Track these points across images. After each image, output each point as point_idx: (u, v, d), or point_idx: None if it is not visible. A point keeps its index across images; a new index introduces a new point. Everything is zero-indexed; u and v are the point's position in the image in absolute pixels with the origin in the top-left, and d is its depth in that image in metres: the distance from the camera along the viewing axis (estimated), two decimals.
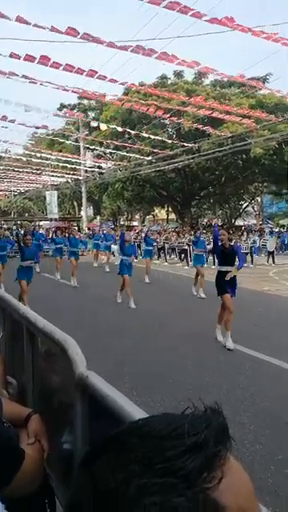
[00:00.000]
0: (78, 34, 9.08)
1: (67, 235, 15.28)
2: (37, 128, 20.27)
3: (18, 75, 11.84)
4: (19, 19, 8.51)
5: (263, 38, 9.41)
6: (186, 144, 21.28)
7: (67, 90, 13.54)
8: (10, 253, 14.30)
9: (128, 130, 21.35)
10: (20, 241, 9.23)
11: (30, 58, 10.19)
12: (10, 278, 10.48)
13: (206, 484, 0.37)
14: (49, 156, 26.92)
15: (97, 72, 11.61)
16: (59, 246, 15.08)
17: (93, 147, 26.68)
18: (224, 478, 0.38)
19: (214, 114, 17.40)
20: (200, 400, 0.48)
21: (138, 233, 23.74)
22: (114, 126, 20.99)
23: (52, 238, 15.92)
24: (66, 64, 10.86)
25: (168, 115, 18.29)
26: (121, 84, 12.50)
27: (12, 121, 16.66)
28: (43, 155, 26.29)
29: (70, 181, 33.17)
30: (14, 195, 43.51)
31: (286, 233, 26.85)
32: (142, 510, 0.36)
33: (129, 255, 9.71)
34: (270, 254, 18.99)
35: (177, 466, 0.38)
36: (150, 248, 13.76)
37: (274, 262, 18.59)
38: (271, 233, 23.25)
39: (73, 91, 14.48)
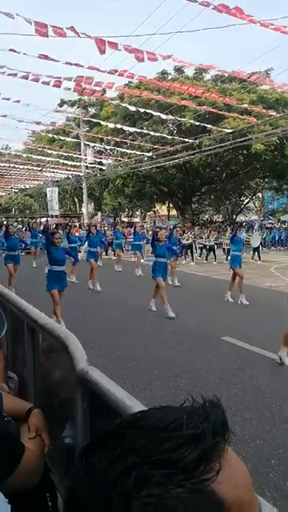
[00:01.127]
0: (78, 34, 9.06)
1: (87, 232, 12.93)
2: (37, 124, 20.24)
3: (16, 74, 11.81)
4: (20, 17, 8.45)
5: (272, 29, 9.28)
6: (186, 140, 21.20)
7: (69, 89, 13.53)
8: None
9: (127, 128, 21.23)
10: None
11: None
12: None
13: (204, 475, 0.38)
14: (49, 152, 26.90)
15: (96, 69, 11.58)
16: (74, 245, 12.91)
17: (93, 144, 26.63)
18: (222, 470, 0.39)
19: (214, 109, 17.33)
20: (199, 393, 0.48)
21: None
22: (113, 125, 20.89)
23: (66, 236, 14.05)
24: (66, 62, 10.84)
25: (168, 111, 18.25)
26: (119, 75, 12.38)
27: (13, 118, 16.66)
28: (44, 151, 26.27)
29: (70, 177, 33.14)
30: (15, 192, 43.48)
31: (277, 229, 26.81)
32: (140, 502, 0.36)
33: (163, 256, 8.58)
34: (255, 249, 18.62)
35: (175, 458, 0.38)
36: (175, 248, 12.13)
37: (259, 259, 18.38)
38: (261, 228, 23.24)
39: (75, 90, 14.43)
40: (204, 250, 19.93)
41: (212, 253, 18.97)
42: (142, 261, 15.01)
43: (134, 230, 16.01)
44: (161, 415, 0.43)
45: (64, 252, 7.56)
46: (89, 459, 0.42)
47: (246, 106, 18.59)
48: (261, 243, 19.91)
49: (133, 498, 0.36)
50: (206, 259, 19.07)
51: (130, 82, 20.56)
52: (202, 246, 20.23)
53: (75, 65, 11.33)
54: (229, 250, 19.42)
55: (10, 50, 10.27)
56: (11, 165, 30.79)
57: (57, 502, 1.43)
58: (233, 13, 8.53)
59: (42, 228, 17.00)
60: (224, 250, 19.69)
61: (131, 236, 18.13)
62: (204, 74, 26.65)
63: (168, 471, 0.37)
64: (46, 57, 10.35)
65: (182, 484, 0.36)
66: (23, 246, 13.67)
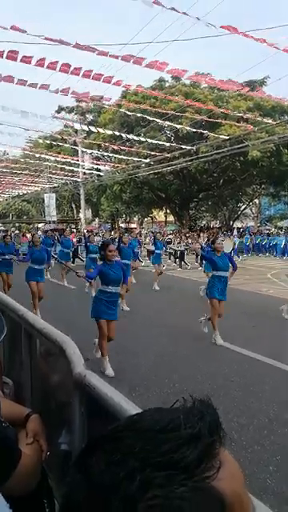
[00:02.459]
0: (69, 44, 9.15)
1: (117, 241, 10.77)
2: (35, 131, 20.33)
3: (13, 82, 11.87)
4: (14, 28, 8.55)
5: (260, 42, 9.43)
6: (183, 146, 21.32)
7: (66, 94, 13.56)
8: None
9: (124, 135, 21.31)
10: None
11: (27, 60, 10.22)
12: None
13: (205, 473, 0.38)
14: (47, 157, 26.98)
15: (91, 72, 11.61)
16: (93, 255, 11.03)
17: (91, 151, 26.74)
18: (222, 467, 0.40)
19: (211, 118, 17.48)
20: (190, 395, 0.49)
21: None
22: (111, 132, 20.97)
23: (85, 245, 12.06)
24: (63, 64, 10.89)
25: (166, 118, 18.36)
26: (115, 84, 12.44)
27: (10, 125, 16.73)
28: (41, 157, 26.35)
29: (68, 183, 33.21)
30: (12, 197, 43.52)
31: (259, 235, 26.58)
32: (145, 504, 0.36)
33: (224, 269, 6.75)
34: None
35: (176, 459, 0.38)
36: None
37: None
38: (241, 235, 23.30)
39: (73, 93, 14.41)
40: (172, 257, 19.53)
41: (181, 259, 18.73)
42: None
43: (155, 237, 13.76)
44: (157, 417, 0.43)
45: (120, 268, 5.58)
46: (85, 463, 0.42)
47: (242, 114, 18.76)
48: (233, 249, 19.73)
49: (137, 502, 0.36)
50: (180, 266, 18.56)
51: (127, 90, 20.70)
52: (172, 251, 19.60)
53: (71, 73, 11.41)
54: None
55: (8, 56, 10.34)
56: (9, 170, 30.86)
57: (54, 507, 1.42)
58: (226, 26, 8.64)
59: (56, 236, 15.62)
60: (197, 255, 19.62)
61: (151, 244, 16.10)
62: (201, 82, 26.86)
63: (170, 472, 0.37)
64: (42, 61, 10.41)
65: (185, 483, 0.37)
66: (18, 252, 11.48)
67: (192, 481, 0.38)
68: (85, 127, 22.37)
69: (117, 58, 9.58)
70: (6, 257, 10.13)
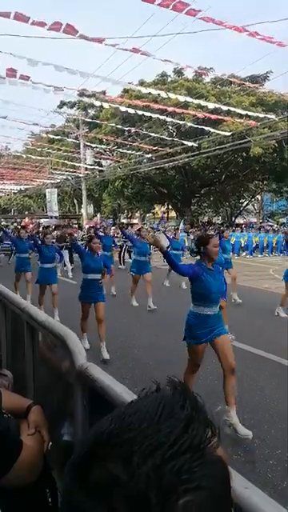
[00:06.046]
0: (77, 32, 9.04)
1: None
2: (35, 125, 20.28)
3: (16, 77, 11.81)
4: (17, 17, 8.44)
5: (258, 39, 9.31)
6: (186, 142, 21.24)
7: (67, 88, 13.50)
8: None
9: (126, 129, 21.24)
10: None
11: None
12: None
13: (211, 444, 0.40)
14: (50, 151, 26.93)
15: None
16: (107, 253, 9.82)
17: (94, 145, 26.68)
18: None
19: (214, 113, 17.40)
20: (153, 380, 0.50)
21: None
22: (113, 125, 20.93)
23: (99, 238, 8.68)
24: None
25: (168, 113, 18.29)
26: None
27: (13, 120, 16.70)
28: (43, 151, 26.31)
29: (70, 178, 33.16)
30: (14, 193, 43.54)
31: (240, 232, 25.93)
32: (183, 488, 0.36)
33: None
34: None
35: (188, 442, 0.39)
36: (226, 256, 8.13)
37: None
38: (186, 232, 23.27)
39: (77, 90, 14.39)
40: None
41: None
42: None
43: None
44: (151, 410, 0.42)
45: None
46: (88, 467, 0.40)
47: (245, 110, 18.66)
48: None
49: (176, 494, 0.36)
50: None
51: (129, 83, 20.57)
52: None
53: (80, 72, 11.35)
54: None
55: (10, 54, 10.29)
56: (10, 165, 30.86)
57: (57, 497, 1.43)
58: (218, 22, 8.53)
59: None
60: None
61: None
62: (203, 77, 26.72)
63: (189, 455, 0.38)
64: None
65: (202, 461, 0.38)
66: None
67: (205, 456, 0.39)
68: (87, 120, 22.33)
69: (125, 50, 9.49)
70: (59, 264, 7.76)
